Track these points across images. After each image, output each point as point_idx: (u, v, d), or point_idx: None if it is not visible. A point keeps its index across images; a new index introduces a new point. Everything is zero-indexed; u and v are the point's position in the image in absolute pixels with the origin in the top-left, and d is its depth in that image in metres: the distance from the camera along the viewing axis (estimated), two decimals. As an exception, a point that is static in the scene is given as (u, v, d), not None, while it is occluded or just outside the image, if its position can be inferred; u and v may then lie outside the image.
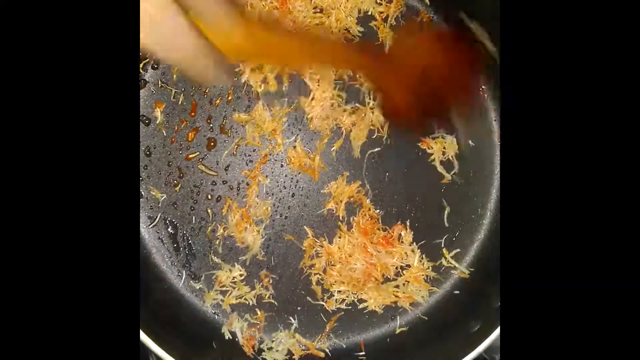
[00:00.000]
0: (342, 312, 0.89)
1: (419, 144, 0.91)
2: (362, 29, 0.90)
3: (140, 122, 0.89)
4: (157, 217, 0.90)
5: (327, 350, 0.89)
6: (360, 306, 0.89)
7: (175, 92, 0.90)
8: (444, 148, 0.91)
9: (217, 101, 0.90)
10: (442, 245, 0.91)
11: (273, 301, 0.89)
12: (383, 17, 0.90)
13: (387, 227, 0.89)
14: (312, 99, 0.89)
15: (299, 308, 0.89)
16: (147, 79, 0.90)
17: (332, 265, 0.88)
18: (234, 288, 0.89)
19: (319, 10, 0.89)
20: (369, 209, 0.89)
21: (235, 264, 0.89)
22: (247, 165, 0.90)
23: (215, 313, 0.89)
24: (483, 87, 0.92)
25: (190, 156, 0.90)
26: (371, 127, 0.90)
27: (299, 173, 0.90)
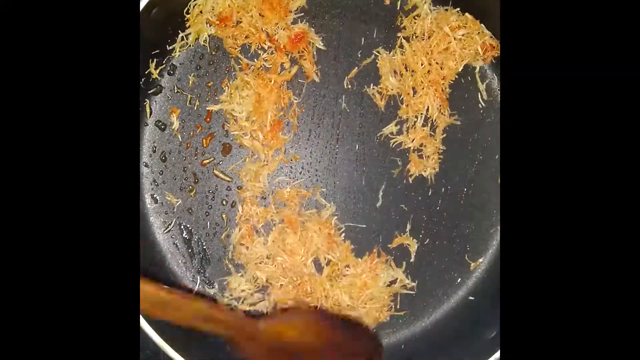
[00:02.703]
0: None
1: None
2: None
3: (156, 128, 0.90)
4: (172, 222, 0.90)
5: (341, 357, 0.89)
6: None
7: (191, 97, 0.90)
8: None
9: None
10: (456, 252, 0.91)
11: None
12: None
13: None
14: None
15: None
16: (163, 85, 0.90)
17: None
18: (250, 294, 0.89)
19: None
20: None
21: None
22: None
23: (229, 318, 0.89)
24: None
25: (205, 162, 0.90)
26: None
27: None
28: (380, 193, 0.90)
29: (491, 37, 0.89)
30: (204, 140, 0.90)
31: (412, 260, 0.90)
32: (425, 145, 0.90)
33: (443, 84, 0.89)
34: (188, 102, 0.90)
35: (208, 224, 0.90)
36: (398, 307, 0.90)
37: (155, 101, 0.90)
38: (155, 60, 0.89)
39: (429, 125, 0.90)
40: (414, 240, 0.90)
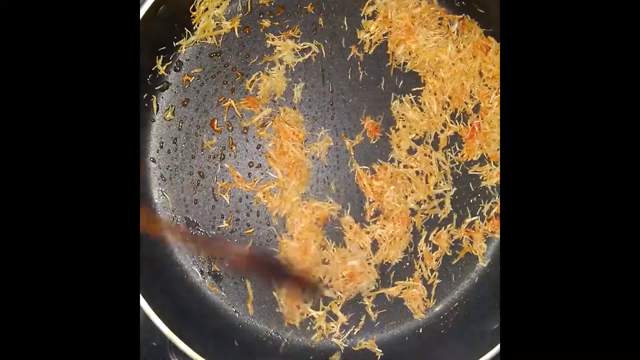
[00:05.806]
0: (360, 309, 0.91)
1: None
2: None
3: (163, 124, 0.91)
4: (179, 216, 0.91)
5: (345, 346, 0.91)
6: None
7: (197, 93, 0.91)
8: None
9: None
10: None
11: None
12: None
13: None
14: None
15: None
16: (169, 81, 0.91)
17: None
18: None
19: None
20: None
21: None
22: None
23: (236, 311, 0.91)
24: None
25: (210, 146, 0.91)
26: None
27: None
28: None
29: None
30: (210, 137, 0.91)
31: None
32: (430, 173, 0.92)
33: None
34: (194, 98, 0.91)
35: (214, 218, 0.91)
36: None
37: (162, 97, 0.91)
38: (161, 56, 0.90)
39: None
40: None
